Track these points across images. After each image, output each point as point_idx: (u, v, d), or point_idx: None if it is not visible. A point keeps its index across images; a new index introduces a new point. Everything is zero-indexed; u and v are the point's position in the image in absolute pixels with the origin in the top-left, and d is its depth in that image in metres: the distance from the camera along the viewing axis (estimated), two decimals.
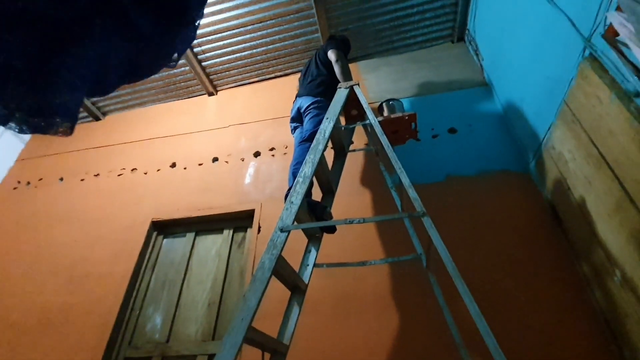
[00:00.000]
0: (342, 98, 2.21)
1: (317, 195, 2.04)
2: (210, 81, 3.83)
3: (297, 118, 2.56)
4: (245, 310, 1.20)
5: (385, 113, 2.62)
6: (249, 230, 2.70)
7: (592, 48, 1.61)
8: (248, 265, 2.42)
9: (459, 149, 2.67)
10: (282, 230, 1.47)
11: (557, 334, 1.81)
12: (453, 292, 1.23)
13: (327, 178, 1.99)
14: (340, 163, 2.26)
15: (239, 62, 3.68)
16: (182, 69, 3.70)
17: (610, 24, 1.43)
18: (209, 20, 3.26)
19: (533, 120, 2.31)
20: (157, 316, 2.47)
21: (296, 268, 1.63)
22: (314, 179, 1.79)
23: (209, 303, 2.43)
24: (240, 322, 1.17)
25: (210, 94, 3.91)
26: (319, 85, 2.55)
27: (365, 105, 2.10)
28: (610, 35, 1.47)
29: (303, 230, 1.76)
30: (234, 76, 3.82)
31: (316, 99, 2.46)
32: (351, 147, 2.46)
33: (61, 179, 3.54)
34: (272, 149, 3.13)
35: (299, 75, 2.98)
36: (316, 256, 1.75)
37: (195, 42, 3.44)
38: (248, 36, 3.44)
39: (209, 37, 3.43)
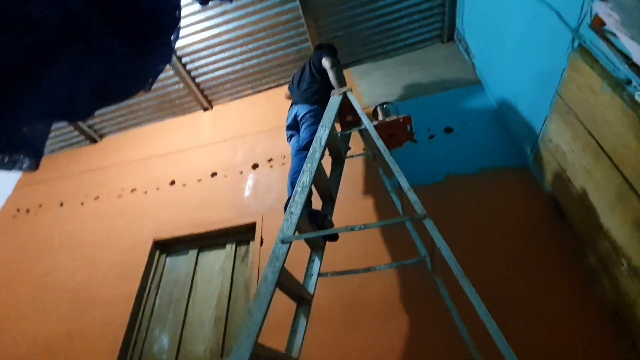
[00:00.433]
0: (335, 105, 2.21)
1: (317, 203, 2.03)
2: (205, 96, 3.85)
3: (294, 126, 2.57)
4: (250, 326, 1.18)
5: (380, 117, 2.62)
6: (251, 243, 2.69)
7: (581, 39, 1.61)
8: (253, 279, 2.40)
9: (457, 148, 2.66)
10: (283, 242, 1.46)
11: (567, 326, 1.79)
12: (460, 293, 1.21)
13: (326, 186, 1.99)
14: (338, 170, 2.26)
15: (232, 75, 3.70)
16: (176, 86, 3.71)
17: (597, 14, 1.44)
18: (199, 36, 3.29)
19: (528, 115, 2.31)
20: (164, 336, 2.44)
21: (300, 279, 1.61)
22: (313, 188, 1.79)
23: (215, 320, 2.40)
24: (247, 339, 1.15)
25: (206, 109, 3.93)
26: (315, 92, 2.57)
27: (359, 111, 2.11)
28: (598, 25, 1.47)
29: (305, 240, 1.75)
30: (228, 90, 3.84)
31: (313, 107, 2.47)
32: (348, 153, 2.46)
33: (61, 204, 3.53)
34: (270, 160, 3.13)
35: None
36: (320, 265, 1.74)
37: (187, 58, 3.47)
38: (239, 50, 3.46)
39: (201, 53, 3.45)
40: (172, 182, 3.31)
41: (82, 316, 2.61)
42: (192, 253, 2.81)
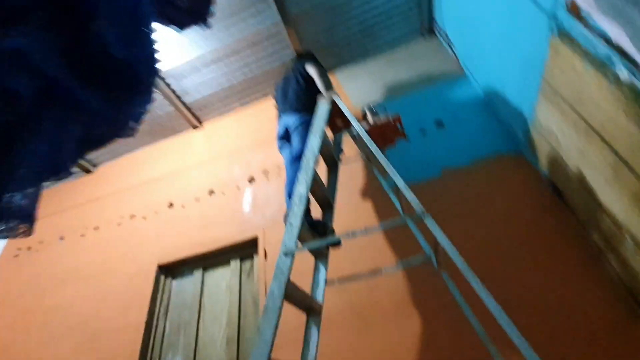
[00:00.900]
0: (324, 111, 2.22)
1: (317, 212, 2.03)
2: (194, 115, 3.85)
3: (285, 136, 2.57)
4: (261, 344, 1.17)
5: (369, 118, 2.63)
6: (255, 257, 2.68)
7: (559, 23, 1.62)
8: (260, 294, 2.39)
9: (449, 141, 2.67)
10: (286, 255, 1.45)
11: (579, 307, 1.78)
12: (470, 288, 1.20)
13: (324, 193, 1.99)
14: (334, 176, 2.26)
15: (219, 91, 3.70)
16: (165, 108, 3.72)
17: None
18: (183, 56, 3.29)
19: (516, 102, 2.32)
20: None
21: (307, 289, 1.61)
22: (311, 197, 1.78)
23: (227, 339, 2.39)
24: (259, 357, 1.14)
25: (196, 128, 3.93)
26: (302, 100, 2.57)
27: (348, 116, 2.11)
28: (573, 8, 1.48)
29: (309, 249, 1.74)
30: (217, 106, 3.84)
31: (301, 115, 2.47)
32: (342, 158, 2.46)
33: (61, 238, 3.51)
34: (265, 172, 3.13)
35: None
36: (326, 273, 1.73)
37: (172, 79, 3.48)
38: (223, 65, 3.47)
39: (186, 73, 3.45)
40: (171, 205, 3.30)
41: (92, 349, 2.58)
42: (198, 273, 2.80)
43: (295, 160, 2.24)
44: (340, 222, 2.05)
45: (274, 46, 3.40)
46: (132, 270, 2.92)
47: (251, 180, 3.14)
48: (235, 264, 2.73)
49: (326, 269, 1.74)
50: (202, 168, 3.49)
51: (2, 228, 0.99)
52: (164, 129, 3.93)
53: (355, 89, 3.41)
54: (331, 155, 2.25)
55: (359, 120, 2.12)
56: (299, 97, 2.58)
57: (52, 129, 1.09)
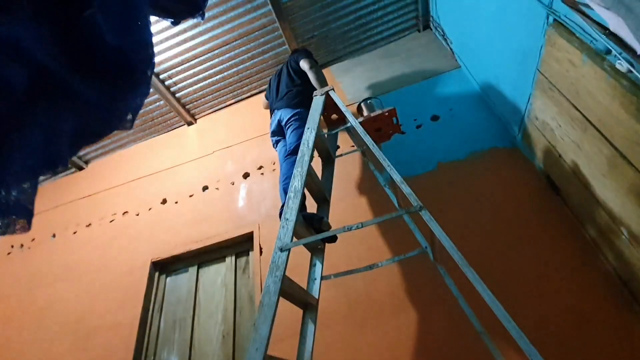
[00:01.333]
0: (319, 105, 2.20)
1: (312, 206, 2.01)
2: (187, 111, 3.80)
3: (278, 131, 2.55)
4: (258, 340, 1.16)
5: (365, 112, 2.61)
6: (251, 253, 2.66)
7: (555, 14, 1.61)
8: (256, 289, 2.37)
9: (445, 134, 2.66)
10: (281, 250, 1.44)
11: (575, 301, 1.79)
12: (466, 281, 1.20)
13: (319, 188, 1.97)
14: (329, 170, 2.24)
15: (213, 87, 3.66)
16: (157, 104, 3.67)
17: None
18: (175, 51, 3.25)
19: (511, 95, 2.31)
20: (173, 358, 2.40)
21: (303, 284, 1.59)
22: (306, 191, 1.76)
23: (223, 335, 2.37)
24: (255, 353, 1.13)
25: (190, 124, 3.88)
26: (296, 95, 2.55)
27: (343, 109, 2.09)
28: None
29: (304, 244, 1.72)
30: (210, 102, 3.80)
31: (296, 110, 2.45)
32: (338, 152, 2.44)
33: (53, 236, 3.46)
34: (260, 168, 3.10)
35: None
36: (322, 268, 1.72)
37: (165, 74, 3.43)
38: (217, 60, 3.43)
39: (178, 68, 3.41)
40: (164, 201, 3.26)
41: (86, 346, 2.55)
42: (192, 270, 2.77)
43: (290, 155, 2.22)
44: (335, 218, 2.04)
45: (268, 40, 3.36)
46: (125, 267, 2.88)
47: (246, 175, 3.12)
48: (230, 260, 2.71)
49: (322, 264, 1.73)
50: (195, 164, 3.45)
51: None
52: (156, 125, 3.89)
53: (350, 84, 3.39)
54: (327, 150, 2.23)
55: (354, 115, 2.11)
56: (293, 93, 2.57)
57: (47, 120, 1.06)
